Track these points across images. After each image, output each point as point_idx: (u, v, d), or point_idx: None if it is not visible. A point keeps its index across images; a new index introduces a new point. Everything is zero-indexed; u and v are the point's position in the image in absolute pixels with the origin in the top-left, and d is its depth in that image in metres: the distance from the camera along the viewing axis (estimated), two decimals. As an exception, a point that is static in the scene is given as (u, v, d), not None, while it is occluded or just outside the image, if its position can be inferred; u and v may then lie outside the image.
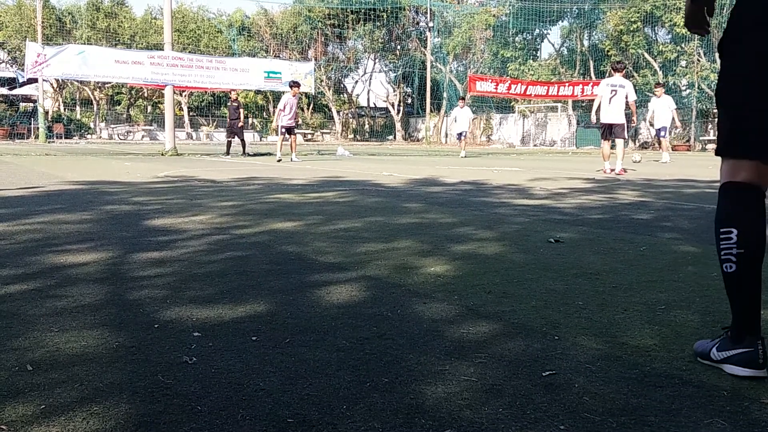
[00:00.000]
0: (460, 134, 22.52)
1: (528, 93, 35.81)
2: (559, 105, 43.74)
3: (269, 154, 19.89)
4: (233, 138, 19.92)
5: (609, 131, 12.54)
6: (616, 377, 2.00)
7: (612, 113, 12.36)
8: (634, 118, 13.93)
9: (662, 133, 18.34)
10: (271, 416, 1.71)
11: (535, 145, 44.02)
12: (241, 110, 20.21)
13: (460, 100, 23.34)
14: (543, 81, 40.30)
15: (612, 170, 12.36)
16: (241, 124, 20.03)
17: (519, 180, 10.56)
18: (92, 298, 2.85)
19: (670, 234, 4.81)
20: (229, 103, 21.25)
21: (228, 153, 19.47)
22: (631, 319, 2.60)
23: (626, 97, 12.32)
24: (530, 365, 2.09)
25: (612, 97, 12.25)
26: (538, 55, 48.92)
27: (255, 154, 21.18)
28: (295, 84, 17.30)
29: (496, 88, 34.72)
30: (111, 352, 2.17)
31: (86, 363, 2.06)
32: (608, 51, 39.79)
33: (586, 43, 44.67)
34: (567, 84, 37.52)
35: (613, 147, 12.65)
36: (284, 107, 16.91)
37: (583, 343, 2.30)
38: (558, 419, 1.71)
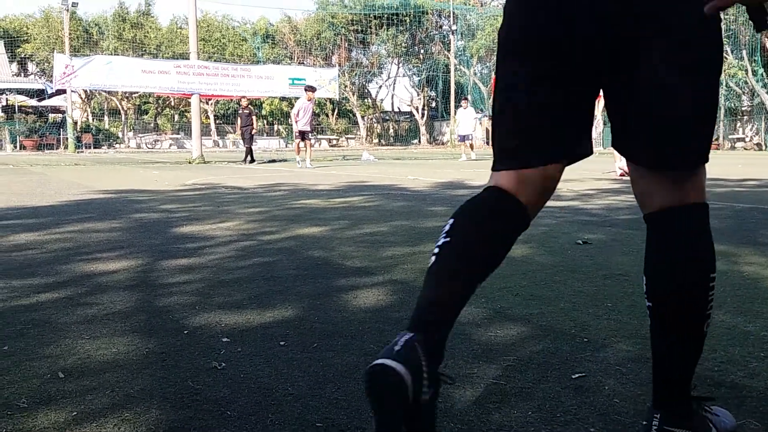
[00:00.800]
0: (464, 137, 21.49)
1: None
2: (584, 105, 43.40)
3: (284, 160, 19.97)
4: (252, 143, 19.94)
5: None
6: (647, 379, 1.97)
7: None
8: None
9: None
10: (300, 420, 1.71)
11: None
12: (254, 117, 20.17)
13: (464, 100, 22.44)
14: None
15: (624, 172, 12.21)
16: (254, 131, 20.02)
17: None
18: (122, 306, 2.88)
19: (700, 234, 4.74)
20: (240, 111, 20.93)
21: (252, 159, 19.55)
22: (662, 321, 2.56)
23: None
24: (559, 368, 2.07)
25: None
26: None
27: (272, 161, 21.26)
28: (310, 88, 17.03)
29: (521, 90, 34.53)
30: (141, 359, 2.19)
31: (117, 369, 2.09)
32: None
33: (611, 42, 44.33)
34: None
35: None
36: (298, 112, 16.74)
37: (613, 345, 2.28)
38: (588, 422, 1.69)
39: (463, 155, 21.23)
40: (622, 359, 2.14)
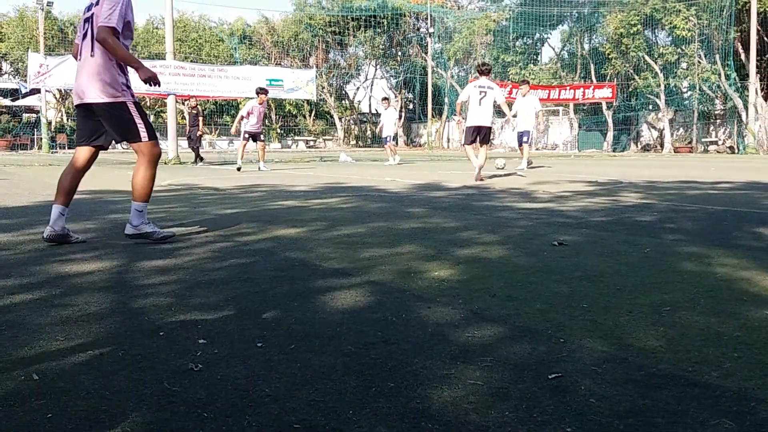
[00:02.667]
0: (386, 138, 20.34)
1: (528, 97, 35.77)
2: (560, 108, 43.76)
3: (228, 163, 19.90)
4: (198, 144, 19.57)
5: (477, 134, 11.76)
6: (623, 379, 1.99)
7: (480, 116, 11.68)
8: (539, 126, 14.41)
9: (524, 138, 14.98)
10: (278, 422, 1.71)
11: (537, 149, 44.02)
12: (200, 118, 19.80)
13: (384, 101, 21.06)
14: (544, 85, 40.35)
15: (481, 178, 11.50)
16: (200, 132, 19.72)
17: (521, 184, 10.56)
18: (97, 307, 2.85)
19: (673, 236, 4.81)
20: (188, 110, 20.09)
21: (201, 159, 19.24)
22: (636, 321, 2.60)
23: (494, 100, 11.67)
24: (536, 368, 2.08)
25: (481, 99, 11.57)
26: (538, 59, 48.93)
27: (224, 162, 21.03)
28: (262, 91, 16.53)
29: (497, 93, 34.67)
30: (117, 360, 2.17)
31: (92, 371, 2.07)
32: (609, 54, 39.81)
33: (586, 46, 44.66)
34: (568, 87, 37.58)
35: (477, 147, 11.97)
36: (248, 114, 16.30)
37: (589, 346, 2.30)
38: (565, 422, 1.70)
39: (390, 159, 20.17)
40: (597, 359, 2.16)
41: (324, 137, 52.69)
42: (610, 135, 41.31)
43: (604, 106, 40.87)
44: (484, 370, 2.07)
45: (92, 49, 4.61)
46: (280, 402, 1.83)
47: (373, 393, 1.90)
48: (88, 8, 4.69)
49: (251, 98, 18.85)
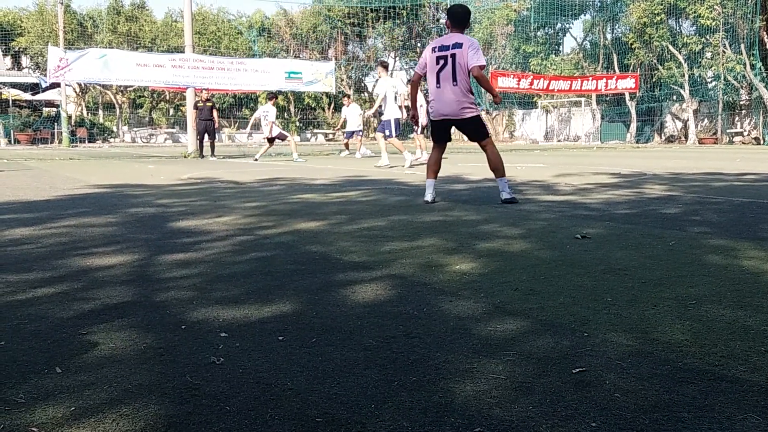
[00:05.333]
0: (351, 134, 20.36)
1: (551, 88, 35.53)
2: (582, 99, 43.40)
3: (279, 154, 19.82)
4: (213, 138, 19.54)
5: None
6: (648, 373, 1.97)
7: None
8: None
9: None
10: (300, 416, 1.70)
11: (558, 141, 43.75)
12: (215, 111, 19.72)
13: (345, 98, 20.92)
14: (566, 76, 40.01)
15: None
16: (216, 125, 19.71)
17: (544, 176, 10.49)
18: (119, 300, 2.87)
19: (699, 228, 4.75)
20: (201, 104, 19.67)
21: (211, 153, 19.15)
22: (662, 315, 2.56)
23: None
24: (560, 362, 2.06)
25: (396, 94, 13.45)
26: (560, 49, 48.59)
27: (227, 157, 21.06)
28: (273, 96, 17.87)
29: (518, 84, 34.46)
30: (139, 354, 2.18)
31: (115, 365, 2.07)
32: (632, 44, 39.40)
33: (609, 36, 44.25)
34: (590, 78, 37.21)
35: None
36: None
37: (614, 340, 2.27)
38: (589, 416, 1.68)
39: (357, 153, 19.78)
40: (622, 354, 2.13)
41: (343, 130, 52.71)
42: (633, 126, 40.93)
43: (627, 97, 40.49)
44: (507, 364, 2.05)
45: (454, 81, 6.39)
46: (302, 395, 1.83)
47: (396, 387, 1.88)
48: (445, 47, 6.43)
49: (270, 91, 18.88)
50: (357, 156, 19.40)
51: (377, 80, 14.86)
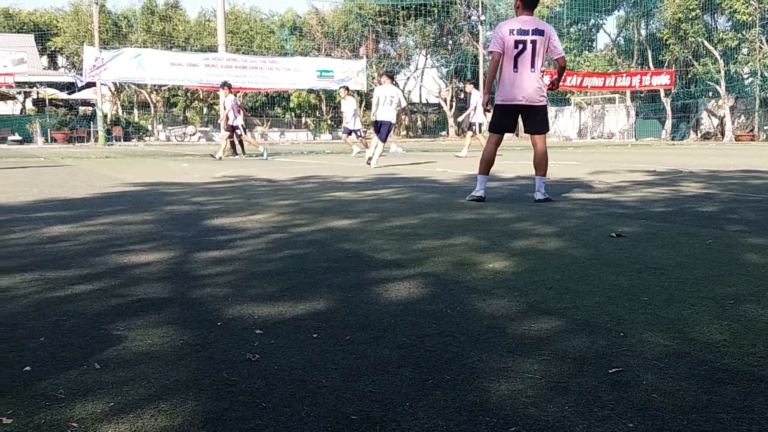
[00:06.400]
0: (351, 131, 18.70)
1: (584, 85, 35.21)
2: (616, 96, 42.93)
3: (312, 152, 19.91)
4: (245, 135, 19.43)
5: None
6: (686, 374, 1.94)
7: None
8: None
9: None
10: (335, 413, 1.71)
11: (592, 138, 43.32)
12: (242, 110, 19.65)
13: (343, 89, 19.37)
14: (599, 72, 39.59)
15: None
16: (233, 124, 19.62)
17: (577, 174, 10.39)
18: (156, 297, 2.90)
19: (736, 226, 4.67)
20: (232, 102, 20.01)
21: (236, 153, 19.10)
22: (700, 315, 2.53)
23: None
24: (596, 362, 2.04)
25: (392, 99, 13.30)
26: (593, 45, 48.10)
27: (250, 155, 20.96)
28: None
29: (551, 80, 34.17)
30: (176, 350, 2.20)
31: (153, 361, 2.10)
32: (667, 39, 38.86)
33: (643, 32, 43.70)
34: (625, 74, 36.78)
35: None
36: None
37: (650, 340, 2.25)
38: (626, 417, 1.67)
39: (355, 148, 18.77)
40: (659, 354, 2.11)
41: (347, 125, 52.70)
42: (668, 123, 40.38)
43: (662, 94, 39.96)
44: (542, 363, 2.04)
45: (532, 67, 6.32)
46: (337, 393, 1.84)
47: (430, 385, 1.88)
48: (524, 32, 6.28)
49: (302, 89, 18.90)
50: (354, 153, 18.48)
51: (378, 86, 14.54)
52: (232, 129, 17.74)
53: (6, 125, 38.26)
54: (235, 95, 18.73)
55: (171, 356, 2.14)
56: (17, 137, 36.69)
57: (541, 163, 6.53)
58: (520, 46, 6.27)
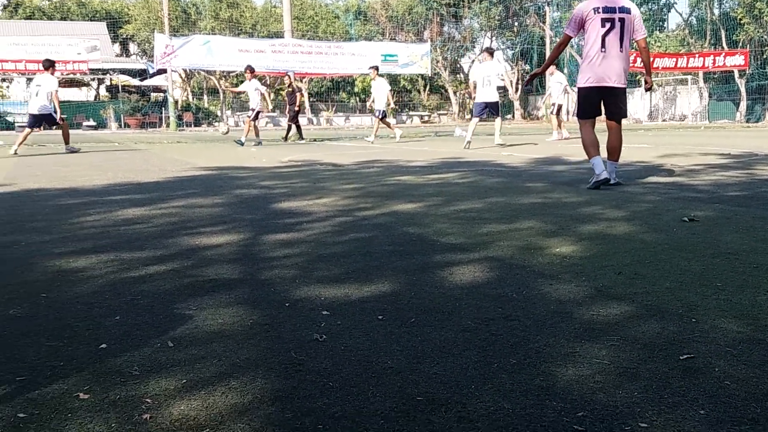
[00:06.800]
0: (382, 112, 17.80)
1: (655, 66, 34.17)
2: (689, 77, 41.56)
3: (380, 137, 19.88)
4: (296, 121, 19.48)
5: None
6: (760, 361, 1.89)
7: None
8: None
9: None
10: (400, 394, 1.73)
11: (663, 120, 42.12)
12: (298, 95, 19.71)
13: (372, 69, 18.43)
14: (671, 53, 38.37)
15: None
16: (297, 109, 19.68)
17: (648, 157, 10.13)
18: (227, 278, 2.98)
19: (816, 211, 4.48)
20: (286, 89, 19.65)
21: (301, 137, 19.24)
22: (776, 302, 2.44)
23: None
24: (666, 348, 2.00)
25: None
26: (664, 25, 46.62)
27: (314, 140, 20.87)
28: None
29: (620, 62, 33.30)
30: (246, 329, 2.26)
31: (223, 339, 2.16)
32: (741, 19, 37.35)
33: (716, 11, 42.11)
34: (697, 55, 35.56)
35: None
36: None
37: (723, 326, 2.19)
38: (698, 403, 1.63)
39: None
40: (732, 340, 2.05)
41: (438, 112, 52.46)
42: (743, 105, 38.89)
43: (737, 74, 38.46)
44: (611, 349, 2.01)
45: (621, 47, 6.02)
46: (402, 374, 1.85)
47: (495, 369, 1.88)
48: (611, 9, 5.99)
49: (366, 74, 18.85)
50: (370, 139, 17.57)
51: (476, 63, 15.00)
52: (257, 114, 17.93)
53: (81, 111, 39.49)
54: (260, 80, 19.10)
55: (241, 335, 2.20)
56: (92, 123, 37.84)
57: (617, 148, 6.33)
58: (608, 25, 5.96)
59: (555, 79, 17.84)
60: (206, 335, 2.21)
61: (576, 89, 6.51)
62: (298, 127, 19.44)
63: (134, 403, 1.70)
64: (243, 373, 1.88)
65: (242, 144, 16.33)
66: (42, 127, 14.42)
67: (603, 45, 5.98)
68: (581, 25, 6.13)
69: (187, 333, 2.23)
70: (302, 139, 19.26)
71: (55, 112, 13.56)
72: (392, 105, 18.95)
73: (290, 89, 20.03)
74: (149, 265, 3.25)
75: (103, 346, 2.12)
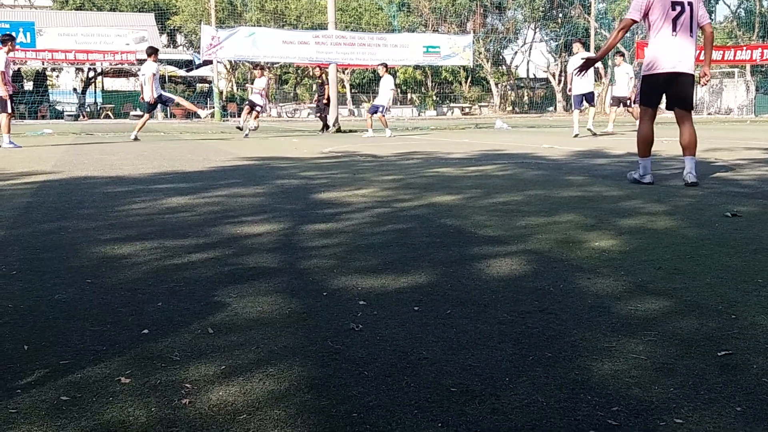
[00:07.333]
0: (378, 108, 17.07)
1: (701, 58, 33.47)
2: (735, 70, 40.62)
3: (417, 128, 19.89)
4: (325, 113, 19.44)
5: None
6: (802, 361, 1.86)
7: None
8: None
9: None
10: (435, 384, 1.74)
11: (709, 114, 41.25)
12: (326, 87, 19.68)
13: (381, 67, 17.32)
14: (718, 45, 37.52)
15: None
16: (325, 101, 19.59)
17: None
18: (266, 266, 3.02)
19: None
20: (317, 80, 19.75)
21: (327, 127, 19.20)
22: (820, 300, 2.40)
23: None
24: (704, 344, 1.99)
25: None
26: (712, 17, 45.58)
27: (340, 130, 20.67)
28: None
29: (666, 54, 32.67)
30: (284, 318, 2.30)
31: (262, 327, 2.20)
32: (794, 10, 36.35)
33: (765, 3, 41.02)
34: (745, 48, 34.72)
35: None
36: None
37: (763, 323, 2.16)
38: (734, 400, 1.62)
39: (387, 131, 16.68)
40: (773, 339, 2.03)
41: (480, 104, 52.12)
42: (792, 98, 37.89)
43: (787, 67, 37.49)
44: (648, 344, 2.00)
45: (691, 32, 5.85)
46: (437, 365, 1.87)
47: (530, 362, 1.89)
48: None
49: (408, 66, 18.74)
50: (387, 134, 16.50)
51: (571, 57, 15.53)
52: (257, 106, 18.21)
53: (128, 101, 40.15)
54: (267, 78, 19.39)
55: (279, 323, 2.24)
56: (139, 112, 38.37)
57: (692, 141, 5.97)
58: (678, 8, 5.77)
59: (623, 70, 16.84)
60: (245, 322, 2.25)
61: (640, 76, 6.29)
62: (325, 119, 19.57)
63: (174, 387, 1.74)
64: (280, 361, 1.91)
65: (243, 130, 17.09)
66: (163, 111, 15.40)
67: (674, 29, 5.80)
68: (648, 9, 5.88)
69: (226, 320, 2.28)
70: (327, 130, 19.30)
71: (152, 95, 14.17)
72: (391, 106, 18.96)
73: (320, 81, 20.10)
74: (191, 253, 3.32)
75: (145, 331, 2.18)
